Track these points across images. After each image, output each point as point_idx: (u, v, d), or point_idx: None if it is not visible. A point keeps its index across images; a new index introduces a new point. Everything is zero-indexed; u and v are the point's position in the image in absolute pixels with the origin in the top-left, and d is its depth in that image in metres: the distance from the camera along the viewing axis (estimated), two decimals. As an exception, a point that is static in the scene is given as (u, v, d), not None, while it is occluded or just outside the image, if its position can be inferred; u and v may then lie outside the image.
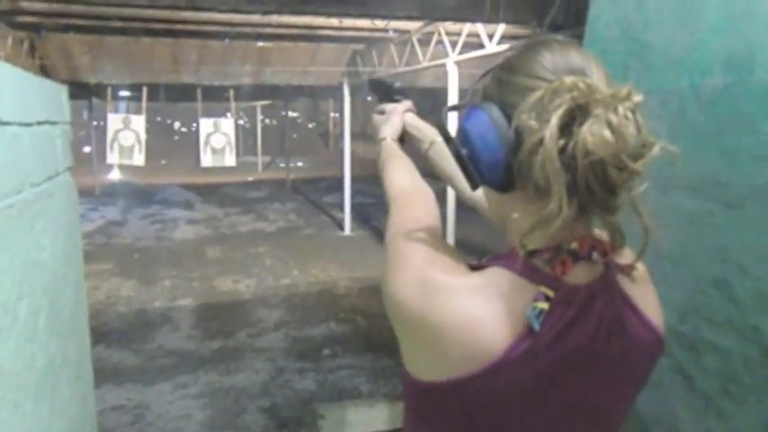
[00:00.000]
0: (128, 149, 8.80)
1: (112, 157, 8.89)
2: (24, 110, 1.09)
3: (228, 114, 10.12)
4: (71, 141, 1.55)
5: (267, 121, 23.20)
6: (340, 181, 9.46)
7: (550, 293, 0.62)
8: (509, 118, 0.65)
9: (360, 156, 15.57)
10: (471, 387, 0.62)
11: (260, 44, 8.15)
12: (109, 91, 9.11)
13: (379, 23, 6.42)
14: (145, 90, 8.96)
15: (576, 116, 0.58)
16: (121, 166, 13.78)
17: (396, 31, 6.96)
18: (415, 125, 1.13)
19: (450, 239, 5.69)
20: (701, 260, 1.50)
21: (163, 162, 18.72)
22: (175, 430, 3.33)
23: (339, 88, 9.18)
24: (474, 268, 0.68)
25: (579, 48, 0.68)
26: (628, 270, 0.69)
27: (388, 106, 1.15)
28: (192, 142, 14.52)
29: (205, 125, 9.24)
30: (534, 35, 5.03)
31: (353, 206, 9.28)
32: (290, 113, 19.80)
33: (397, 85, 1.18)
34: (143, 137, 8.86)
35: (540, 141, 0.58)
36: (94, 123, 13.16)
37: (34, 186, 1.10)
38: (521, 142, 0.62)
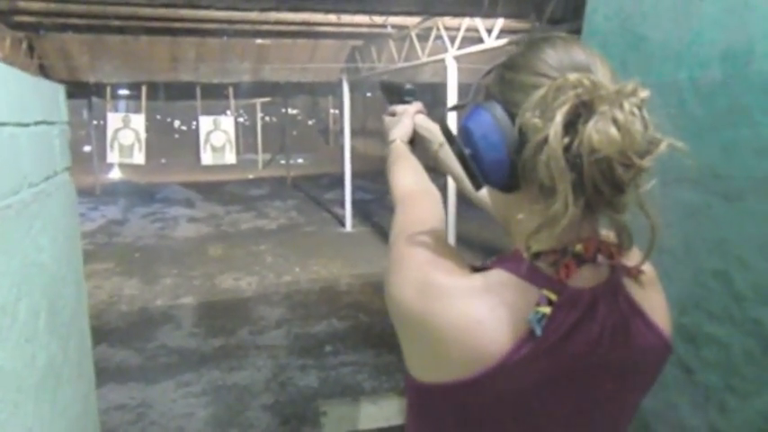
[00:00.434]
0: (128, 148, 8.80)
1: (113, 156, 8.89)
2: (21, 110, 1.09)
3: (228, 112, 10.11)
4: (70, 141, 1.55)
5: (267, 118, 23.17)
6: (340, 177, 9.44)
7: (553, 297, 0.61)
8: (512, 117, 0.64)
9: (360, 152, 15.57)
10: (472, 389, 0.61)
11: (258, 41, 8.13)
12: (108, 90, 9.10)
13: (378, 19, 6.40)
14: (144, 89, 8.96)
15: (580, 113, 0.58)
16: (122, 165, 13.77)
17: (394, 26, 6.94)
18: (425, 126, 1.14)
19: (451, 235, 5.68)
20: (701, 253, 1.49)
21: (163, 161, 18.71)
22: (178, 428, 3.34)
23: (338, 85, 9.16)
24: (477, 270, 0.67)
25: (583, 44, 0.67)
26: (635, 273, 0.68)
27: (399, 108, 1.16)
28: (191, 141, 14.51)
29: (205, 123, 9.24)
30: (533, 29, 5.01)
31: (354, 202, 9.28)
32: (290, 110, 19.78)
33: (408, 86, 1.19)
34: (143, 135, 8.85)
35: (545, 140, 0.57)
36: (94, 123, 13.15)
37: (32, 187, 1.10)
38: (525, 141, 0.61)
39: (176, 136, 24.99)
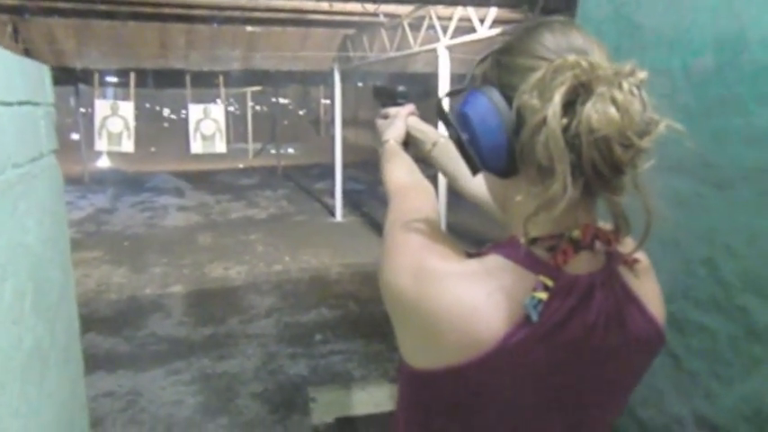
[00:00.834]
0: (116, 136, 8.70)
1: (101, 144, 8.78)
2: (4, 89, 1.07)
3: (218, 101, 10.02)
4: (57, 126, 1.53)
5: (257, 107, 23.01)
6: (331, 168, 9.41)
7: (550, 283, 0.61)
8: (509, 101, 0.63)
9: (351, 142, 15.52)
10: (466, 375, 0.61)
11: (249, 29, 8.04)
12: (96, 77, 8.97)
13: (370, 7, 6.35)
14: (132, 76, 8.84)
15: (579, 94, 0.57)
16: (110, 154, 13.66)
17: (386, 15, 6.89)
18: (418, 127, 1.15)
19: (443, 225, 5.69)
20: (690, 241, 1.50)
21: (152, 149, 18.54)
22: (168, 416, 3.34)
23: (330, 74, 9.10)
24: (472, 256, 0.67)
25: (581, 28, 0.66)
26: (631, 262, 0.69)
27: (392, 110, 1.17)
28: (181, 129, 14.38)
29: (195, 111, 9.15)
30: (526, 19, 5.01)
31: (345, 193, 9.26)
32: (281, 100, 19.65)
33: (400, 88, 1.20)
34: (131, 123, 8.75)
35: (543, 120, 0.57)
36: (81, 110, 12.99)
37: (17, 168, 1.08)
38: (522, 123, 0.61)
39: (165, 124, 24.75)
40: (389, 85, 1.23)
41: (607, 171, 0.58)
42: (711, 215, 1.44)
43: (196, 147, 9.21)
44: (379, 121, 1.18)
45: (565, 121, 0.57)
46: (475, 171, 0.69)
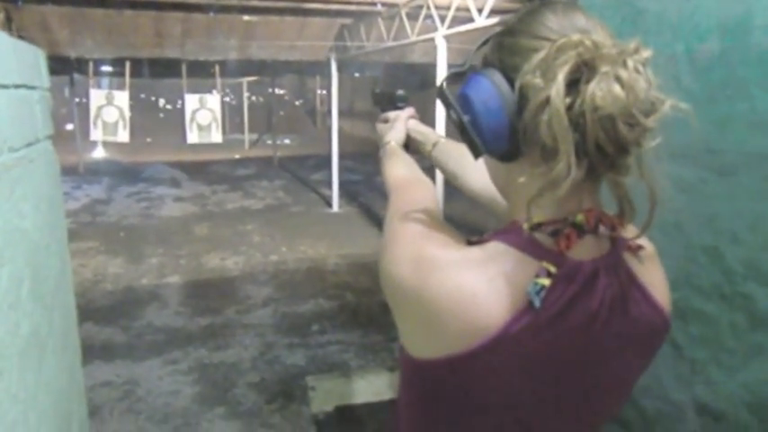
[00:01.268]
0: (112, 126, 8.64)
1: (96, 134, 8.73)
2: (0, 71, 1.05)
3: (214, 91, 9.96)
4: (52, 112, 1.51)
5: (254, 98, 22.90)
6: (327, 158, 9.39)
7: (553, 269, 0.60)
8: (512, 82, 0.63)
9: (347, 133, 15.48)
10: (468, 364, 0.60)
11: (246, 18, 7.98)
12: (90, 66, 8.89)
13: (367, -4, 6.30)
14: (128, 65, 8.77)
15: (582, 73, 0.56)
16: (106, 144, 13.59)
17: (384, 4, 6.84)
18: (418, 129, 1.17)
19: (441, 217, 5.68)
20: (693, 228, 1.50)
21: (148, 140, 18.44)
22: (165, 405, 3.33)
23: (327, 64, 9.05)
24: (473, 243, 0.66)
25: (584, 9, 0.65)
26: (635, 248, 0.68)
27: (392, 114, 1.19)
28: (177, 120, 14.29)
29: (190, 101, 9.10)
30: (521, 9, 4.95)
31: (341, 183, 9.24)
32: (277, 90, 19.55)
33: (399, 92, 1.21)
34: (127, 113, 8.70)
35: (547, 100, 0.56)
36: (76, 100, 12.89)
37: (12, 152, 1.06)
38: (525, 104, 0.60)
39: (161, 115, 24.60)
40: (388, 89, 1.24)
41: (612, 150, 0.57)
42: (714, 202, 1.43)
43: (192, 137, 9.17)
44: (380, 125, 1.20)
45: (568, 100, 0.56)
46: (477, 154, 0.68)
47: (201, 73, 10.08)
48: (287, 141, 19.26)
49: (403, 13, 6.71)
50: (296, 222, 8.16)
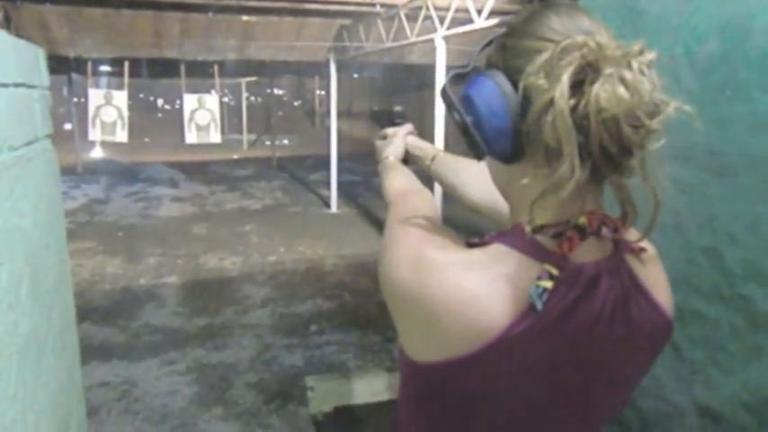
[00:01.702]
0: (110, 126, 8.62)
1: (94, 134, 8.70)
2: None
3: (213, 91, 9.94)
4: (51, 111, 1.50)
5: (252, 98, 22.89)
6: (326, 159, 9.39)
7: (555, 272, 0.60)
8: (515, 84, 0.62)
9: (346, 134, 15.47)
10: (469, 366, 0.60)
11: (245, 18, 7.97)
12: (89, 65, 8.88)
13: (367, -3, 6.30)
14: (126, 65, 8.75)
15: (587, 74, 0.56)
16: (104, 144, 13.56)
17: (383, 5, 6.84)
18: (416, 144, 1.18)
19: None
20: (692, 229, 1.50)
21: (146, 140, 18.42)
22: (163, 406, 3.33)
23: (325, 65, 9.05)
24: (474, 245, 0.66)
25: (587, 11, 0.65)
26: (638, 250, 0.68)
27: (390, 130, 1.21)
28: (175, 120, 14.27)
29: (189, 101, 9.09)
30: (523, 11, 4.95)
31: (340, 184, 9.24)
32: (276, 91, 19.55)
33: (397, 108, 1.25)
34: (125, 113, 8.68)
35: (551, 101, 0.56)
36: (75, 100, 12.87)
37: (12, 150, 1.06)
38: (529, 105, 0.59)
39: (160, 115, 24.58)
40: (386, 106, 1.26)
41: (616, 152, 0.57)
42: (714, 203, 1.43)
43: (191, 137, 9.15)
44: (378, 142, 1.22)
45: (573, 101, 0.56)
46: (479, 156, 0.68)
47: (200, 73, 10.07)
48: (285, 142, 19.25)
49: (402, 13, 6.71)
50: (294, 223, 8.15)
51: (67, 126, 13.44)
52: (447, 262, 0.62)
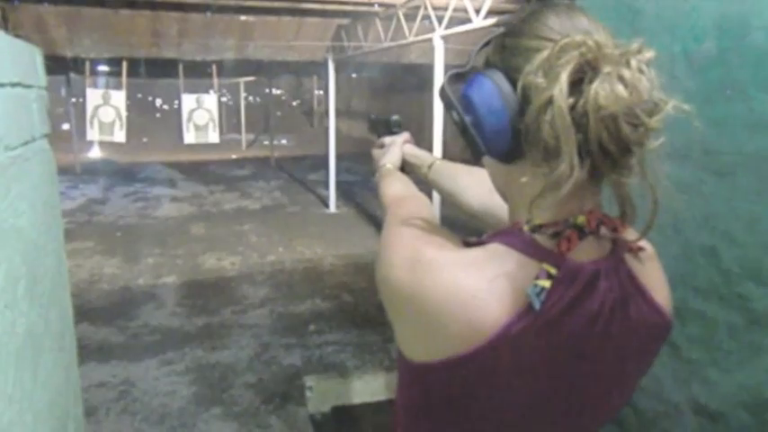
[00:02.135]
0: (108, 126, 8.61)
1: (92, 134, 8.69)
2: (-3, 69, 1.04)
3: (211, 91, 9.93)
4: (48, 111, 1.50)
5: (251, 98, 22.87)
6: (324, 159, 9.39)
7: (553, 271, 0.59)
8: (514, 83, 0.62)
9: (344, 133, 15.47)
10: (467, 366, 0.60)
11: (243, 18, 7.97)
12: (87, 65, 8.87)
13: (365, -3, 6.30)
14: (125, 65, 8.74)
15: (585, 72, 0.56)
16: (102, 144, 13.53)
17: (381, 5, 6.84)
18: (413, 153, 1.19)
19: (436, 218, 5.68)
20: (690, 229, 1.50)
21: (144, 140, 18.40)
22: (161, 406, 3.32)
23: (324, 64, 9.04)
24: (472, 245, 0.65)
25: (585, 11, 0.65)
26: (636, 249, 0.68)
27: (387, 139, 1.22)
28: (173, 120, 14.28)
29: (187, 101, 9.08)
30: (521, 10, 4.95)
31: (338, 184, 9.23)
32: (274, 91, 19.52)
33: (394, 117, 1.25)
34: (123, 113, 8.67)
35: (550, 99, 0.56)
36: (73, 100, 12.85)
37: (9, 150, 1.05)
38: (528, 104, 0.59)
39: (158, 115, 24.54)
40: (383, 115, 1.27)
41: (614, 150, 0.57)
42: (711, 203, 1.43)
43: (189, 137, 9.15)
44: (376, 151, 1.23)
45: (571, 100, 0.56)
46: (478, 155, 0.68)
47: (198, 73, 10.06)
48: (284, 142, 19.24)
49: (400, 13, 6.71)
50: (293, 223, 8.15)
51: (65, 126, 13.43)
52: (444, 261, 0.62)
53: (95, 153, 14.87)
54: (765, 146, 1.28)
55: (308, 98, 23.46)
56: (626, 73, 0.55)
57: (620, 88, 0.55)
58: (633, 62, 0.56)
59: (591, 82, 0.56)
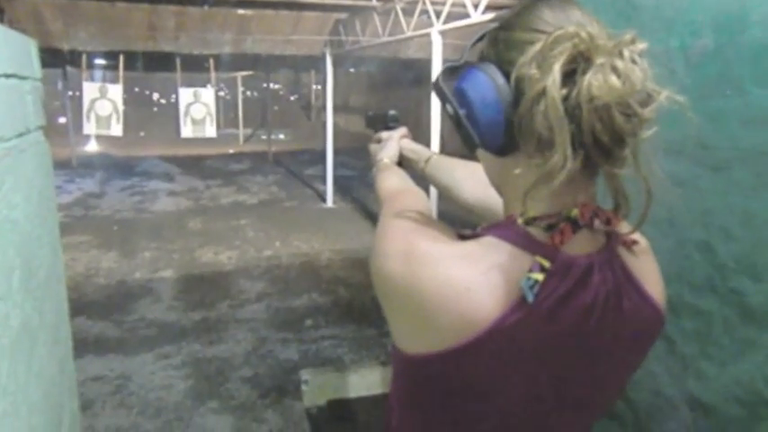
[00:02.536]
0: (105, 119, 8.59)
1: (89, 128, 8.67)
2: (-9, 60, 1.04)
3: (209, 85, 9.90)
4: (44, 105, 1.49)
5: (248, 92, 22.79)
6: (322, 153, 9.38)
7: (547, 264, 0.60)
8: (507, 76, 0.63)
9: (342, 128, 15.44)
10: (460, 358, 0.60)
11: (240, 11, 7.93)
12: (84, 58, 8.83)
13: (363, -9, 6.28)
14: (121, 58, 8.71)
15: (578, 63, 0.57)
16: (99, 138, 13.47)
17: (379, -1, 6.82)
18: (410, 147, 1.19)
19: (433, 213, 5.69)
20: (685, 224, 1.50)
21: (141, 133, 18.34)
22: (158, 400, 3.32)
23: (321, 59, 9.02)
24: (466, 238, 0.65)
25: (579, 5, 0.66)
26: (630, 243, 0.68)
27: (384, 134, 1.22)
28: (171, 114, 14.23)
29: (185, 95, 9.06)
30: (517, 4, 4.94)
31: (335, 178, 9.22)
32: (272, 85, 19.47)
33: (392, 112, 1.25)
34: (120, 106, 8.65)
35: (543, 90, 0.56)
36: (69, 93, 12.79)
37: (3, 142, 1.05)
38: (521, 96, 0.60)
39: (155, 109, 24.43)
40: (380, 110, 1.27)
41: (608, 140, 0.57)
42: (707, 198, 1.43)
43: (186, 131, 9.14)
44: (373, 146, 1.23)
45: (564, 91, 0.56)
46: (472, 148, 0.68)
47: (196, 67, 10.04)
48: (281, 136, 19.20)
49: (398, 8, 6.69)
50: (290, 217, 8.14)
51: (62, 119, 13.36)
52: (439, 254, 0.62)
53: (92, 147, 14.82)
54: (761, 141, 1.28)
55: (305, 93, 23.40)
56: (619, 64, 0.56)
57: (613, 79, 0.55)
58: (626, 53, 0.56)
59: (584, 73, 0.56)
